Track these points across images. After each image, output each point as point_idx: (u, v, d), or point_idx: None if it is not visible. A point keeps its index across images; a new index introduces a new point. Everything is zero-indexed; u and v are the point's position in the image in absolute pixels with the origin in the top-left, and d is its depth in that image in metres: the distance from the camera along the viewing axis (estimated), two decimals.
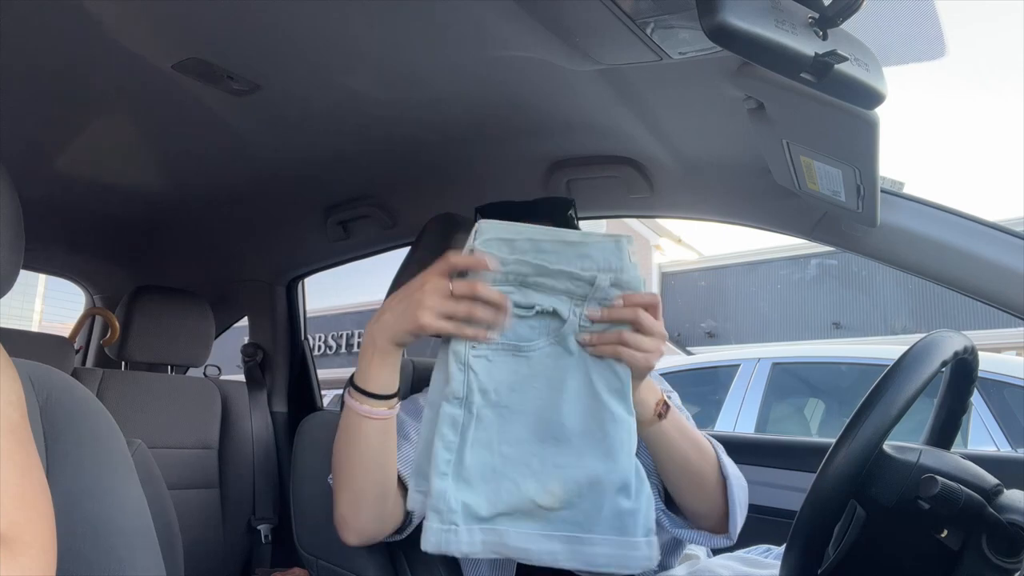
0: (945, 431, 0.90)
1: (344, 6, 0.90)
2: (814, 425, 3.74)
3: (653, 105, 1.10)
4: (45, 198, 1.59)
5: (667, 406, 0.91)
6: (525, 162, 1.38)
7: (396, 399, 0.88)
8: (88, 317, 2.21)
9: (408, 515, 0.94)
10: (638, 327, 0.83)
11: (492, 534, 0.84)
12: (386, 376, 0.87)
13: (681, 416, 0.95)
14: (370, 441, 0.88)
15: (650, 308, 0.84)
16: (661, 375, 1.22)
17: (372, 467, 0.89)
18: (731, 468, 0.98)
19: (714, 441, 0.99)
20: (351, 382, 0.89)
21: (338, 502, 0.91)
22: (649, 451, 0.95)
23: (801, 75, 0.69)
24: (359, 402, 0.87)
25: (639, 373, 0.86)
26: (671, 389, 1.16)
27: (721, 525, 0.97)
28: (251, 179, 1.53)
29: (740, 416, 3.51)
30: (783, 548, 1.05)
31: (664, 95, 1.06)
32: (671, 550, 1.05)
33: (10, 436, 0.62)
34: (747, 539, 1.05)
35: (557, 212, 1.15)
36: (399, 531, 0.96)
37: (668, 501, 1.02)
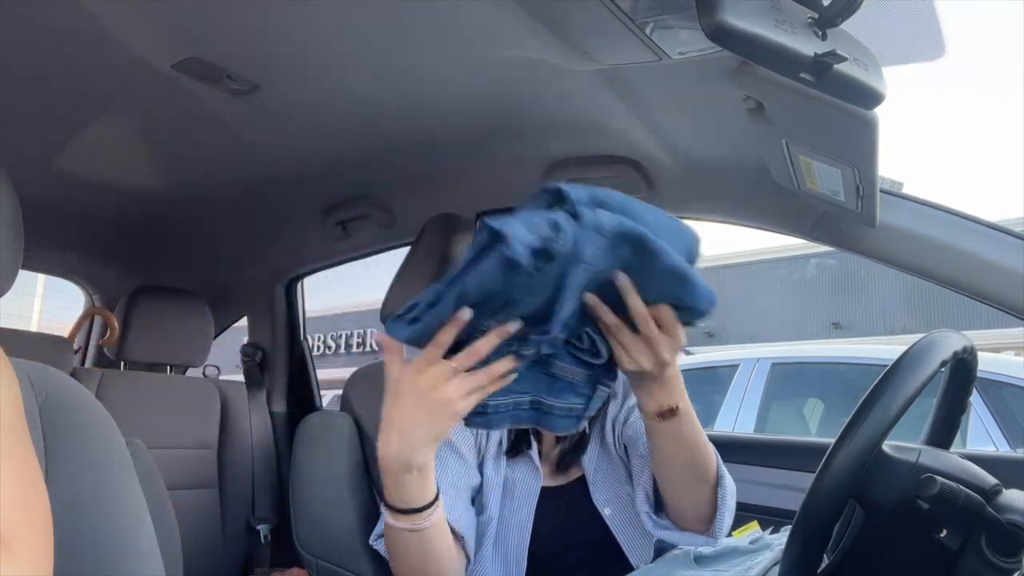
0: (944, 431, 0.90)
1: (343, 6, 0.90)
2: (813, 425, 3.74)
3: (652, 105, 1.10)
4: (44, 198, 1.58)
5: (672, 412, 0.90)
6: (524, 162, 1.38)
7: (436, 502, 0.85)
8: (87, 317, 2.21)
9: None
10: (640, 329, 0.81)
11: None
12: (415, 490, 0.82)
13: (690, 424, 0.92)
14: (420, 548, 0.86)
15: (662, 322, 0.81)
16: None
17: (428, 568, 0.88)
18: (727, 477, 0.98)
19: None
20: (384, 500, 0.85)
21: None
22: (652, 445, 0.95)
23: (800, 75, 0.70)
24: (395, 519, 0.84)
25: (630, 374, 0.86)
26: None
27: (705, 526, 0.98)
28: (250, 179, 1.53)
29: (739, 416, 3.51)
30: (770, 532, 1.06)
31: (663, 95, 1.06)
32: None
33: (8, 435, 0.62)
34: None
35: None
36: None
37: (656, 499, 1.03)
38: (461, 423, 0.80)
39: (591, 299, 0.80)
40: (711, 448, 0.97)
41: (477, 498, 1.08)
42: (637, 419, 1.10)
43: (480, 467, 1.09)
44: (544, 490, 1.08)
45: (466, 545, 0.99)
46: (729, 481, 0.99)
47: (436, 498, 0.84)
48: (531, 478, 1.08)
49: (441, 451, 1.04)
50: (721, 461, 0.99)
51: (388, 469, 0.81)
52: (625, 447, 1.11)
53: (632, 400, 1.12)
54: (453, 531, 0.95)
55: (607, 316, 0.81)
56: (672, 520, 1.01)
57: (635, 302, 0.80)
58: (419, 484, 0.82)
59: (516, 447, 1.10)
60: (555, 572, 1.05)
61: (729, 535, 1.05)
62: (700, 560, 1.00)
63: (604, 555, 1.05)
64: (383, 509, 0.86)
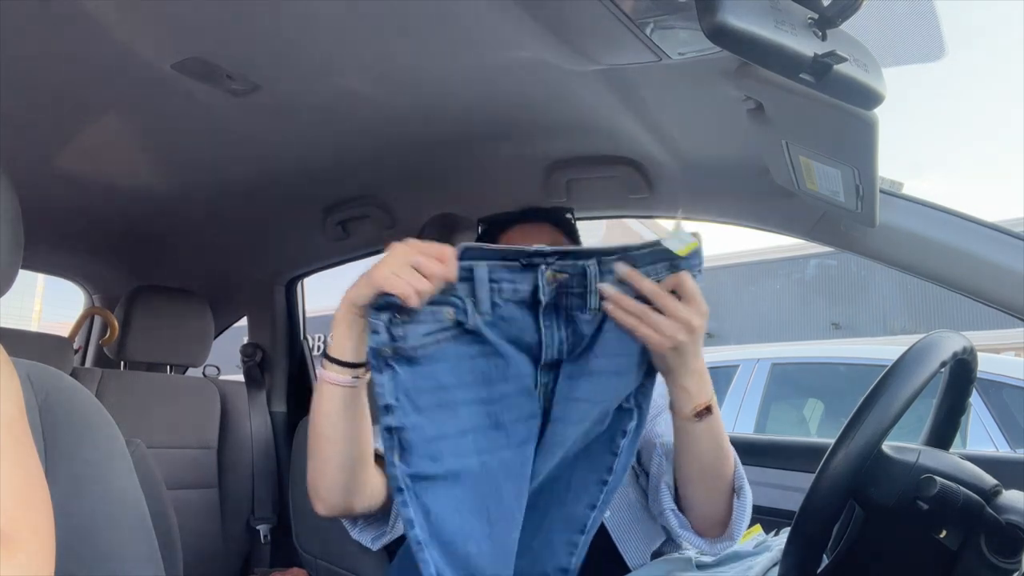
0: (944, 431, 0.90)
1: (344, 7, 0.90)
2: (813, 425, 3.74)
3: (652, 105, 1.10)
4: (44, 198, 1.58)
5: (708, 410, 0.90)
6: (524, 162, 1.38)
7: (364, 369, 0.89)
8: (87, 317, 2.21)
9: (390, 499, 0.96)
10: (661, 308, 0.82)
11: None
12: (352, 344, 0.88)
13: (718, 422, 0.93)
14: (335, 408, 0.89)
15: (683, 292, 0.83)
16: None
17: (336, 436, 0.89)
18: (745, 480, 0.98)
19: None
20: (324, 352, 0.91)
21: (308, 470, 0.93)
22: (675, 443, 0.96)
23: (800, 76, 0.69)
24: (327, 369, 0.89)
25: (660, 358, 0.86)
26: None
27: (721, 529, 0.98)
28: (250, 179, 1.53)
29: (739, 416, 3.51)
30: (772, 535, 1.06)
31: (663, 95, 1.06)
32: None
33: (8, 433, 0.62)
34: None
35: (555, 216, 1.16)
36: (383, 519, 0.97)
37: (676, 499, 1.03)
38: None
39: (620, 269, 0.84)
40: (731, 447, 0.97)
41: None
42: (651, 421, 1.10)
43: None
44: None
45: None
46: (746, 485, 0.98)
47: (361, 366, 0.89)
48: None
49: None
50: (739, 463, 0.99)
51: (342, 314, 0.87)
52: (638, 452, 1.11)
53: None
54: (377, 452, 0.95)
55: (643, 284, 0.83)
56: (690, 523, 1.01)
57: (646, 284, 0.82)
58: (345, 338, 0.88)
59: None
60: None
61: None
62: (702, 567, 1.00)
63: (602, 557, 1.05)
64: (322, 367, 0.90)
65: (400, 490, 0.82)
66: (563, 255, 0.87)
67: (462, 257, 0.85)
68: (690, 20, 0.77)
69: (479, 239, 1.18)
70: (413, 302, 0.80)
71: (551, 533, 0.91)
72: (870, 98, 0.74)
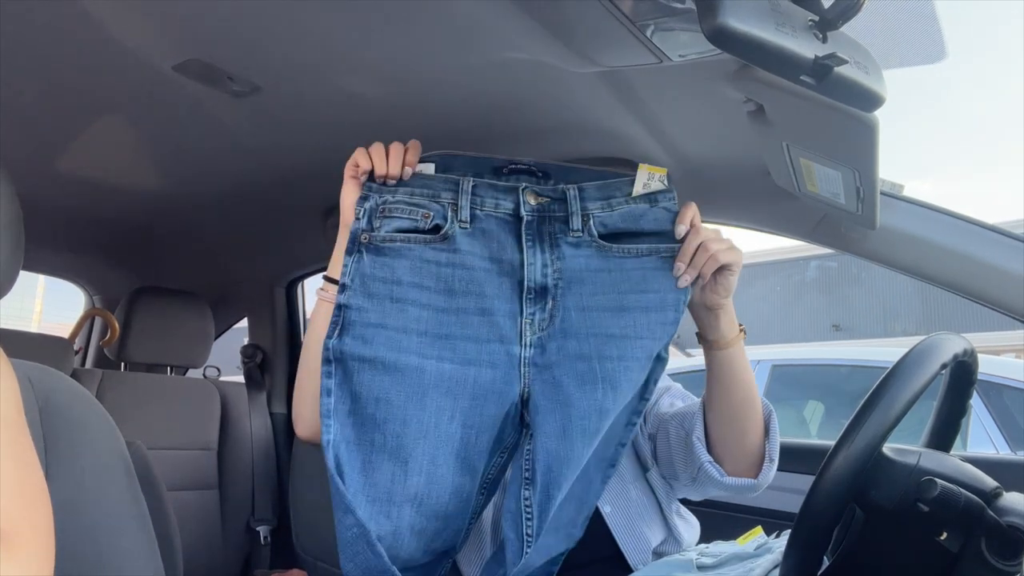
0: (944, 433, 0.90)
1: (345, 8, 0.90)
2: (813, 427, 3.74)
3: (653, 107, 1.10)
4: (45, 199, 1.58)
5: (742, 330, 1.00)
6: None
7: None
8: (87, 318, 2.21)
9: None
10: (704, 239, 0.92)
11: None
12: (338, 260, 0.94)
13: (744, 351, 1.00)
14: (322, 322, 0.92)
15: (696, 221, 0.94)
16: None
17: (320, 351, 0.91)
18: (774, 417, 1.01)
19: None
20: (327, 279, 0.97)
21: (295, 390, 0.97)
22: (715, 381, 0.99)
23: (801, 78, 0.69)
24: (326, 290, 0.95)
25: (713, 286, 0.95)
26: (671, 381, 1.17)
27: (756, 471, 1.00)
28: (251, 180, 1.53)
29: None
30: (774, 537, 1.06)
31: (664, 97, 1.06)
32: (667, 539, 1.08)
33: (7, 432, 0.62)
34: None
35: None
36: None
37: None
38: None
39: (686, 215, 0.93)
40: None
41: None
42: (655, 405, 1.13)
43: None
44: None
45: None
46: (774, 423, 1.01)
47: None
48: None
49: None
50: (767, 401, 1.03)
51: (340, 234, 0.96)
52: (652, 434, 1.12)
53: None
54: None
55: (695, 215, 0.93)
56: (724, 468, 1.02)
57: (696, 220, 0.93)
58: (338, 254, 0.95)
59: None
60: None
61: (733, 541, 1.05)
62: (703, 568, 1.00)
63: (603, 553, 1.06)
64: (321, 289, 0.96)
65: (328, 361, 0.86)
66: (543, 175, 0.93)
67: (443, 164, 0.92)
68: (690, 22, 0.77)
69: None
70: (381, 170, 0.91)
71: (590, 467, 0.92)
72: (871, 100, 0.74)
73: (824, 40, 0.68)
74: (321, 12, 0.91)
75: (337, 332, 0.88)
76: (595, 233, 0.93)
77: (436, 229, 0.91)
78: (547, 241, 0.92)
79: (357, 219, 0.92)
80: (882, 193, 1.06)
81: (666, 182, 0.93)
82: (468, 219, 0.91)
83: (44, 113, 1.23)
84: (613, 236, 0.94)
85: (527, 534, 0.87)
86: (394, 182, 0.93)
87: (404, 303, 0.89)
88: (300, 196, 1.62)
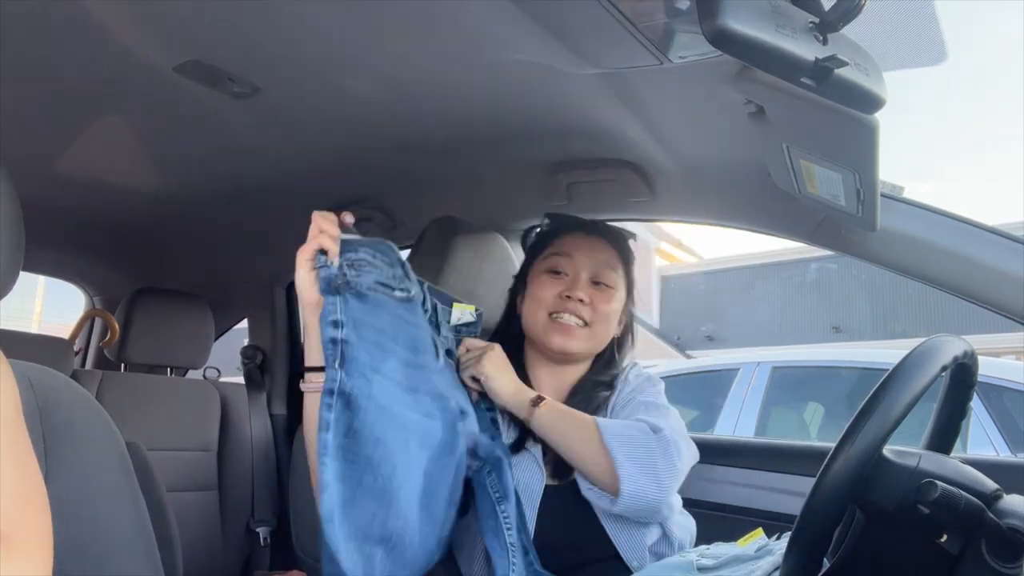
0: (945, 435, 0.90)
1: (344, 9, 0.90)
2: (814, 429, 3.74)
3: (653, 109, 1.10)
4: (45, 199, 1.58)
5: (540, 397, 1.09)
6: (525, 165, 1.38)
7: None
8: (87, 319, 2.21)
9: None
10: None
11: None
12: (315, 347, 0.92)
13: (555, 405, 1.10)
14: (314, 413, 0.90)
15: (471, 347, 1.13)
16: (661, 378, 1.23)
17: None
18: (609, 434, 1.04)
19: (598, 420, 1.07)
20: (307, 369, 0.96)
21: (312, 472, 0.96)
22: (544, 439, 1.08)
23: (801, 80, 0.69)
24: (308, 381, 0.93)
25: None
26: (659, 380, 1.18)
27: (614, 486, 1.02)
28: (251, 181, 1.53)
29: (740, 420, 3.51)
30: (774, 539, 1.05)
31: (664, 98, 1.06)
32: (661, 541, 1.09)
33: (6, 433, 0.62)
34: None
35: (615, 237, 1.27)
36: None
37: None
38: None
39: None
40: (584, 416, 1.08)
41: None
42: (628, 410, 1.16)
43: None
44: (545, 488, 1.09)
45: None
46: (615, 437, 1.04)
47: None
48: (534, 477, 1.09)
49: None
50: (611, 427, 1.06)
51: (307, 318, 0.93)
52: None
53: (626, 395, 1.18)
54: None
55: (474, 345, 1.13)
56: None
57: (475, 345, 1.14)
58: (310, 343, 0.94)
59: (519, 444, 1.11)
60: (555, 570, 1.05)
61: (734, 542, 1.05)
62: (703, 570, 1.00)
63: (602, 555, 1.06)
64: (304, 380, 0.94)
65: (330, 392, 0.85)
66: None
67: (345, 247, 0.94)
68: (691, 24, 0.77)
69: (539, 232, 1.31)
70: (329, 245, 0.91)
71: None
72: (871, 102, 0.74)
73: (824, 42, 0.68)
74: (321, 13, 0.91)
75: (339, 364, 0.86)
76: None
77: (405, 290, 0.98)
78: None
79: (324, 267, 0.90)
80: (882, 195, 1.06)
81: (475, 315, 1.13)
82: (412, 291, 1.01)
83: (45, 113, 1.23)
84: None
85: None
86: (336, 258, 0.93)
87: (386, 352, 0.91)
88: (300, 196, 1.61)
